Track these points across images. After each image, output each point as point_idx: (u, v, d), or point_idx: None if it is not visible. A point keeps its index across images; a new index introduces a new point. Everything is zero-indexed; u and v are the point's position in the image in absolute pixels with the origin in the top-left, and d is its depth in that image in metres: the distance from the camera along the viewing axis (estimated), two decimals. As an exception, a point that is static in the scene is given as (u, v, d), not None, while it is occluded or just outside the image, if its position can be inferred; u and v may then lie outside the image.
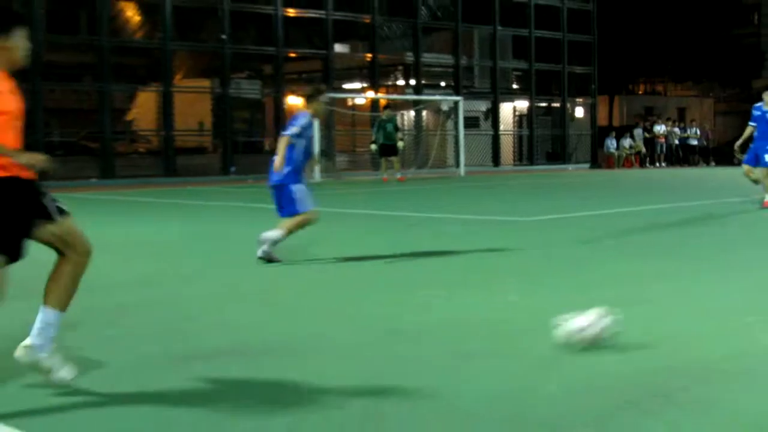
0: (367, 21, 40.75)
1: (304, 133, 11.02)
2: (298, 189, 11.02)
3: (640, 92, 77.47)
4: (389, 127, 31.82)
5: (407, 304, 8.35)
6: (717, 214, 17.10)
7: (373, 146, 32.79)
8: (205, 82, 38.54)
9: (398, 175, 31.95)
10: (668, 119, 52.79)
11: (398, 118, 35.62)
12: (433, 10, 43.10)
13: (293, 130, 10.89)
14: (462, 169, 37.81)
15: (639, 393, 5.32)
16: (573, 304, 6.91)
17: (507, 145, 46.50)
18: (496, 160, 44.75)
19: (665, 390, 5.37)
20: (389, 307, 8.21)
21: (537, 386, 5.48)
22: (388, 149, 31.89)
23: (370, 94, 40.63)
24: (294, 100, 37.32)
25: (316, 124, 11.56)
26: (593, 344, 6.24)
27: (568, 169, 44.26)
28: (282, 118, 36.66)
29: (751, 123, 18.53)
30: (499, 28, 45.16)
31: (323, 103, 11.40)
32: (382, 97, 41.09)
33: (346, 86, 42.99)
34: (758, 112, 18.26)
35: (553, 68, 48.08)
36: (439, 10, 43.26)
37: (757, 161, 18.16)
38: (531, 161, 46.82)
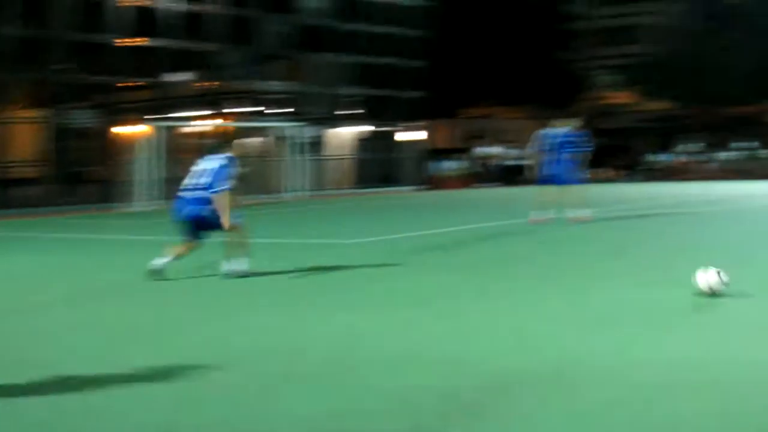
0: (206, 49, 41.03)
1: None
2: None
3: (470, 115, 79.27)
4: None
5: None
6: (533, 230, 18.11)
7: None
8: (38, 113, 37.79)
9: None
10: (496, 141, 54.46)
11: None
12: (274, 38, 43.63)
13: (232, 183, 11.66)
14: (300, 194, 38.32)
15: (448, 407, 5.61)
16: (380, 324, 7.61)
17: (344, 169, 47.29)
18: (333, 183, 45.45)
19: (473, 403, 5.70)
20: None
21: (354, 405, 5.75)
22: None
23: (210, 121, 40.83)
24: (126, 129, 37.14)
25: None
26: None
27: (402, 191, 45.11)
28: (116, 147, 36.59)
29: (536, 150, 19.91)
30: (337, 55, 46.00)
31: (239, 146, 12.52)
32: (221, 124, 41.41)
33: (185, 114, 43.05)
34: (553, 139, 19.53)
35: (387, 94, 49.14)
36: (279, 38, 43.82)
37: (553, 181, 19.44)
38: (366, 184, 47.62)
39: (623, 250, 14.92)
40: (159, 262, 11.84)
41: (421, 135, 51.68)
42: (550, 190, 19.49)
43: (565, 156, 19.40)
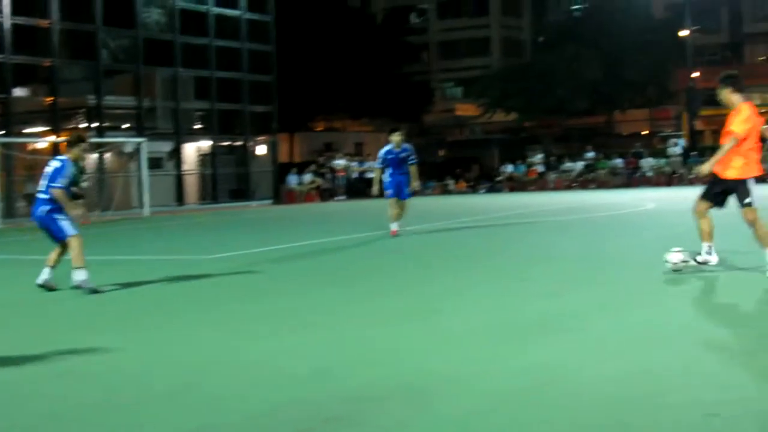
0: (47, 64, 40.40)
1: (70, 178, 12.15)
2: (61, 216, 12.20)
3: (320, 129, 79.58)
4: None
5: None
6: (388, 242, 18.43)
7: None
8: None
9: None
10: (347, 154, 54.85)
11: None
12: (115, 52, 43.18)
13: (63, 182, 12.05)
14: (146, 210, 37.96)
15: (314, 419, 5.76)
16: (237, 340, 7.76)
17: (191, 184, 47.05)
18: (180, 199, 45.18)
19: (339, 414, 5.85)
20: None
21: (211, 420, 5.83)
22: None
23: (52, 137, 40.17)
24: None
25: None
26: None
27: (252, 206, 45.08)
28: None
29: (378, 165, 20.32)
30: (181, 69, 45.77)
31: (83, 150, 12.54)
32: (64, 140, 40.74)
33: (27, 130, 42.24)
34: (391, 155, 19.88)
35: (234, 108, 49.08)
36: (120, 52, 43.37)
37: (399, 194, 19.88)
38: (215, 199, 47.46)
39: (478, 259, 15.23)
40: (43, 276, 12.41)
41: (271, 149, 51.75)
42: (393, 203, 19.84)
43: (402, 170, 19.83)
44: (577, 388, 6.34)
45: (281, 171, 50.95)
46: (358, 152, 62.64)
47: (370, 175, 52.14)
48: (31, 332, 9.70)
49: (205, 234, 26.05)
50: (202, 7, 47.39)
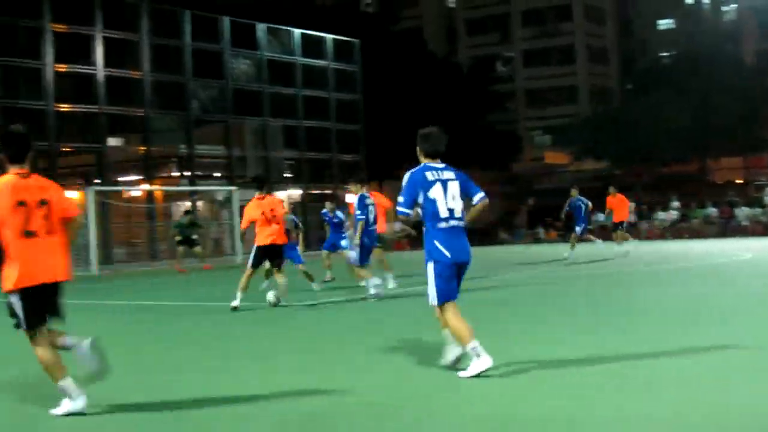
0: (140, 114, 41.16)
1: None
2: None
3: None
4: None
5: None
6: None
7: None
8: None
9: (178, 266, 32.33)
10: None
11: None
12: (205, 103, 43.84)
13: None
14: (239, 257, 38.26)
15: None
16: None
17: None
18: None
19: None
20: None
21: None
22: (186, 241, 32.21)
23: (145, 186, 40.85)
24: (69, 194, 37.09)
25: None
26: None
27: (341, 253, 44.90)
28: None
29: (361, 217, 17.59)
30: (270, 119, 46.30)
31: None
32: (157, 189, 41.47)
33: (122, 179, 43.03)
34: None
35: (323, 156, 49.44)
36: (210, 103, 44.03)
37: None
38: (307, 247, 47.55)
39: (574, 311, 15.02)
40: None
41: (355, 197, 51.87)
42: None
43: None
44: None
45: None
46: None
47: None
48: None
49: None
50: (290, 58, 47.95)
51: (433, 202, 8.99)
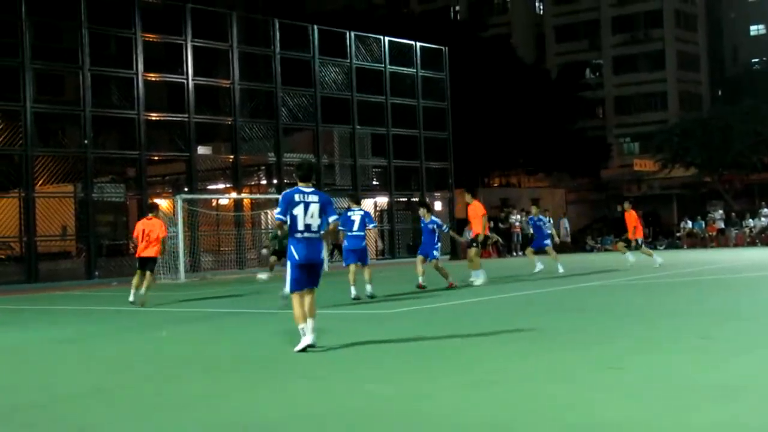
0: (229, 122, 41.53)
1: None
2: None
3: (495, 184, 79.58)
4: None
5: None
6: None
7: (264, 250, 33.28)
8: (68, 187, 38.11)
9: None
10: (522, 210, 54.54)
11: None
12: (294, 111, 44.08)
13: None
14: (326, 265, 38.43)
15: None
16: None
17: (369, 239, 47.33)
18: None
19: None
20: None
21: None
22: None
23: (234, 194, 41.22)
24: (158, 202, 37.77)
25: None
26: None
27: (427, 262, 44.93)
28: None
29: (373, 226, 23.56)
30: (358, 127, 46.43)
31: None
32: (246, 197, 41.83)
33: (210, 187, 43.47)
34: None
35: (410, 164, 49.40)
36: (299, 111, 44.26)
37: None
38: (393, 254, 47.73)
39: (661, 317, 14.83)
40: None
41: (448, 205, 51.80)
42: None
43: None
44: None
45: (458, 226, 50.95)
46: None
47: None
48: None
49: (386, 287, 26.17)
50: (378, 66, 48.04)
51: (295, 217, 11.82)
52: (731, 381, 8.54)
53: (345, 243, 20.96)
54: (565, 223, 55.54)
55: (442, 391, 8.63)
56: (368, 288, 20.55)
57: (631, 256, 30.40)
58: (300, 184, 12.23)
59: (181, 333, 13.88)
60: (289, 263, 11.92)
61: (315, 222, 11.93)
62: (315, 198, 12.06)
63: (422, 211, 24.01)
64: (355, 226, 20.61)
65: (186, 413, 8.17)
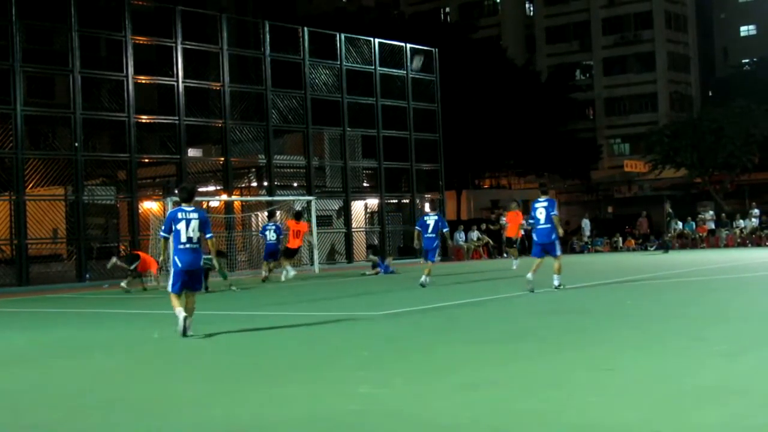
0: (219, 125, 41.49)
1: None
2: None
3: (486, 186, 79.67)
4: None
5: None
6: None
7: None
8: (59, 190, 37.97)
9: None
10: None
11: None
12: (284, 113, 44.04)
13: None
14: (316, 267, 38.43)
15: None
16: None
17: (359, 241, 47.42)
18: (349, 256, 45.57)
19: None
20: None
21: None
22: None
23: (224, 196, 41.17)
24: (144, 205, 37.85)
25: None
26: None
27: (420, 263, 44.94)
28: (136, 223, 37.10)
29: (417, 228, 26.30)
30: (348, 129, 46.40)
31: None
32: (236, 199, 41.80)
33: (200, 189, 43.38)
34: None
35: (401, 166, 49.38)
36: (289, 113, 44.22)
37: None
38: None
39: (652, 318, 14.84)
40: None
41: (438, 206, 51.78)
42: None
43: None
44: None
45: (449, 228, 50.94)
46: (525, 209, 62.31)
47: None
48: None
49: (375, 289, 26.23)
50: (369, 68, 48.03)
51: (178, 231, 14.17)
52: (724, 382, 8.56)
53: (423, 243, 25.38)
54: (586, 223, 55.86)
55: (435, 393, 8.63)
56: (425, 278, 24.58)
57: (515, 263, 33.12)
58: (183, 204, 14.54)
59: (173, 335, 13.85)
60: (172, 269, 14.24)
61: (195, 235, 14.25)
62: (195, 215, 14.36)
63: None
64: (429, 229, 25.11)
65: (177, 416, 8.15)
